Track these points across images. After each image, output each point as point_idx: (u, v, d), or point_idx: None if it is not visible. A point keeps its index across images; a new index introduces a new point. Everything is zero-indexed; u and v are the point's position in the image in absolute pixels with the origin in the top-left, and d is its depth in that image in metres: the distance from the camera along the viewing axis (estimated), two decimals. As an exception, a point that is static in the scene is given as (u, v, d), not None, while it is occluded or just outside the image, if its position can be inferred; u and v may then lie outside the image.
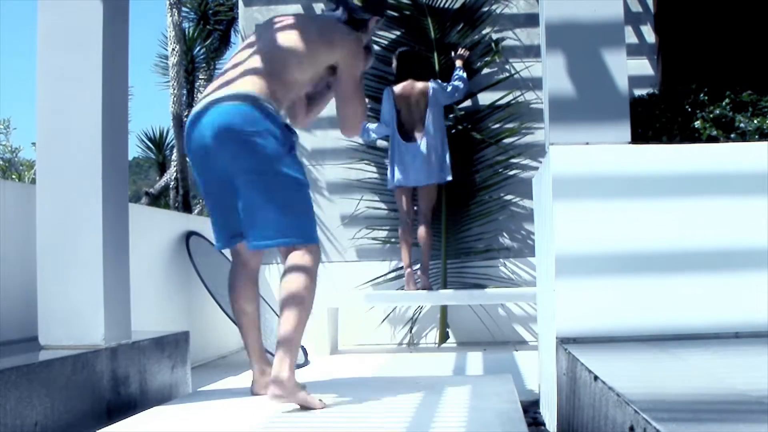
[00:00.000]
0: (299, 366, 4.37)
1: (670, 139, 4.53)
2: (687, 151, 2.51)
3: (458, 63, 5.31)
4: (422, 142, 5.05)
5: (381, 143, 5.62)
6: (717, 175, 2.38)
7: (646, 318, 2.31)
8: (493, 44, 5.62)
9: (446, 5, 5.62)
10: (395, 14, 5.67)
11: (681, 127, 4.59)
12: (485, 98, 5.62)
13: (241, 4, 5.98)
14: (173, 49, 6.84)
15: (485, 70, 5.67)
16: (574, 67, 2.47)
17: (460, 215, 5.52)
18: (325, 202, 5.72)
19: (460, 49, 5.39)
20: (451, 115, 5.55)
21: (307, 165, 5.76)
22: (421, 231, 5.13)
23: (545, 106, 2.56)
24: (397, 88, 5.17)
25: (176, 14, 6.81)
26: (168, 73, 7.09)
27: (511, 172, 5.54)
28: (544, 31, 2.55)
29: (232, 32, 7.94)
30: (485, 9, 5.64)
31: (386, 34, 5.71)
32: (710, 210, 2.35)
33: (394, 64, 5.26)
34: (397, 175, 5.07)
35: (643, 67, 5.55)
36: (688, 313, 2.31)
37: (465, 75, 5.25)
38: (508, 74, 5.61)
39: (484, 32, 5.64)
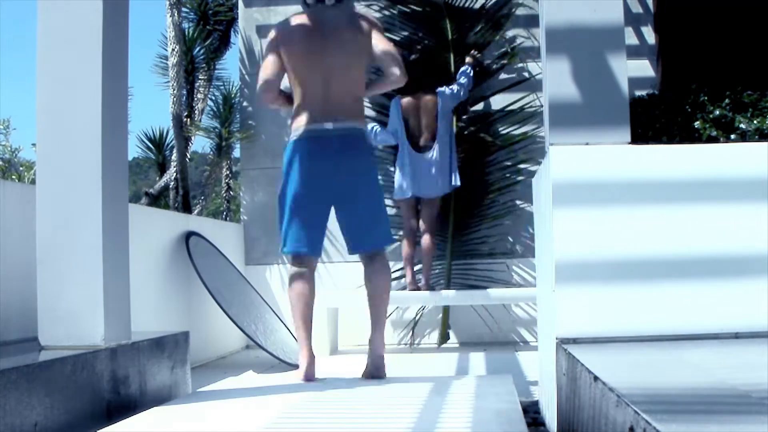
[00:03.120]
0: (297, 366, 4.36)
1: (670, 140, 4.53)
2: (688, 152, 2.51)
3: (468, 60, 5.29)
4: (434, 153, 5.02)
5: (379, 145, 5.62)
6: (718, 176, 2.38)
7: (646, 319, 2.31)
8: (508, 47, 5.60)
9: (465, 5, 5.59)
10: (407, 10, 5.63)
11: (681, 127, 4.60)
12: (500, 101, 5.60)
13: (241, 4, 5.98)
14: (173, 50, 6.83)
15: (503, 75, 5.65)
16: (574, 70, 2.47)
17: (469, 217, 5.51)
18: (325, 203, 5.72)
19: (472, 52, 5.38)
20: (465, 117, 5.55)
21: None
22: (426, 240, 5.11)
23: (545, 108, 2.56)
24: (405, 99, 5.12)
25: (176, 14, 6.80)
26: (168, 74, 7.07)
27: (522, 176, 5.53)
28: (545, 34, 2.55)
29: (232, 32, 7.93)
30: (505, 11, 5.62)
31: (404, 33, 5.69)
32: (711, 212, 2.35)
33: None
34: (407, 185, 5.04)
35: (644, 68, 5.55)
36: (688, 314, 2.31)
37: (470, 71, 5.21)
38: (523, 77, 5.60)
39: (502, 34, 5.60)
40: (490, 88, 5.60)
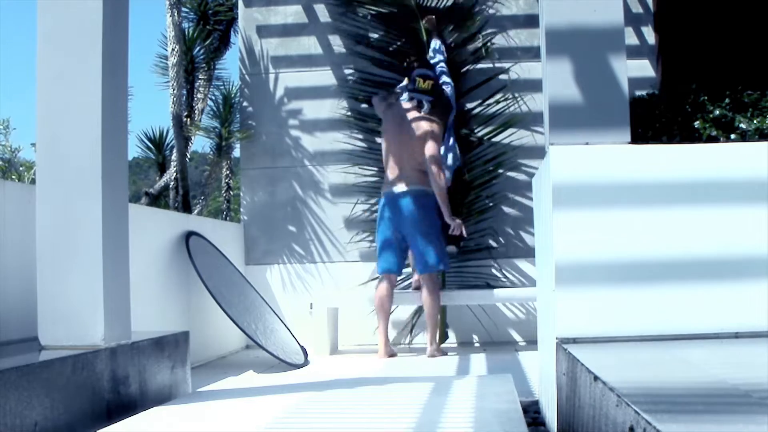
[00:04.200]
0: (298, 366, 4.37)
1: (670, 140, 4.53)
2: (688, 152, 2.51)
3: (435, 42, 5.30)
4: (446, 150, 5.07)
5: (377, 147, 5.62)
6: (718, 176, 2.38)
7: (647, 318, 2.31)
8: (483, 46, 5.61)
9: (436, 5, 5.59)
10: (383, 11, 5.65)
11: (681, 127, 4.60)
12: (475, 99, 5.61)
13: (241, 4, 5.98)
14: (173, 49, 6.83)
15: (480, 75, 5.66)
16: (574, 71, 2.47)
17: (459, 214, 5.50)
18: (327, 204, 5.73)
19: (426, 19, 5.38)
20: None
21: (309, 166, 5.77)
22: None
23: (545, 109, 2.56)
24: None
25: (176, 14, 6.80)
26: (168, 73, 7.06)
27: (508, 171, 5.54)
28: (544, 35, 2.55)
29: (232, 32, 7.93)
30: (476, 9, 5.64)
31: (381, 37, 5.71)
32: (710, 212, 2.35)
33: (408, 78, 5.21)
34: None
35: (644, 67, 5.55)
36: (688, 314, 2.31)
37: (440, 46, 5.24)
38: (496, 74, 5.60)
39: (474, 32, 5.62)
40: (466, 85, 5.60)
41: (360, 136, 5.71)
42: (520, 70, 5.63)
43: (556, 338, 2.30)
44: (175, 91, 6.84)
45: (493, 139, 5.55)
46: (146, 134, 8.54)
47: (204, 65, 7.78)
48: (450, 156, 5.12)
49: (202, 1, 7.73)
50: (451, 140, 5.16)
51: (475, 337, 5.51)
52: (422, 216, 4.59)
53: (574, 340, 2.27)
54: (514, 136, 5.56)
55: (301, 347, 4.78)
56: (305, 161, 5.78)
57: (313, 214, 5.72)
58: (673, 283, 2.32)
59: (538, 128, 5.55)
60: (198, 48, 7.70)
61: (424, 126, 4.72)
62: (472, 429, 2.10)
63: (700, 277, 2.33)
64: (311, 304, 5.14)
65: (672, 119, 4.66)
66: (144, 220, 4.14)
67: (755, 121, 4.44)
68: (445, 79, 5.17)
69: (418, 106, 4.85)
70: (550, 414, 2.51)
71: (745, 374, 1.76)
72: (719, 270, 2.33)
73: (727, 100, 4.60)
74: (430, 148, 4.65)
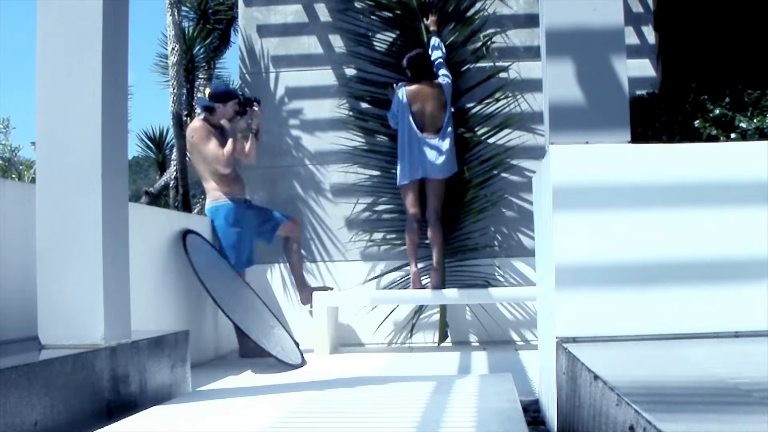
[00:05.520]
0: (296, 366, 4.36)
1: (670, 139, 4.53)
2: (687, 152, 2.50)
3: (434, 40, 5.35)
4: (441, 138, 5.10)
5: (378, 147, 5.62)
6: (718, 175, 2.38)
7: (647, 318, 2.31)
8: (483, 45, 5.61)
9: (437, 4, 5.60)
10: (389, 15, 5.66)
11: (681, 126, 4.60)
12: (474, 98, 5.61)
13: (241, 3, 5.98)
14: (173, 49, 6.83)
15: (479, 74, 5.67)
16: (574, 71, 2.47)
17: (457, 214, 5.50)
18: (327, 203, 5.73)
19: (430, 18, 5.43)
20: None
21: (309, 166, 5.78)
22: (433, 229, 5.12)
23: (545, 109, 2.56)
24: (410, 87, 5.16)
25: (176, 13, 6.80)
26: (168, 73, 7.08)
27: (506, 170, 5.54)
28: (545, 35, 2.55)
29: (232, 32, 7.95)
30: (476, 8, 5.63)
31: (381, 36, 5.71)
32: (710, 211, 2.35)
33: (407, 70, 5.23)
34: (410, 170, 5.09)
35: (644, 67, 5.55)
36: (688, 314, 2.31)
37: (440, 43, 5.30)
38: (496, 72, 5.60)
39: (475, 31, 5.62)
40: (466, 84, 5.59)
41: (360, 136, 5.71)
42: (520, 70, 5.62)
43: (556, 337, 2.30)
44: (175, 90, 6.84)
45: (493, 139, 5.54)
46: (146, 133, 8.58)
47: (204, 64, 7.80)
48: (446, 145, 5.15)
49: (202, 0, 7.75)
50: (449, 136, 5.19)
51: (475, 337, 5.50)
52: (216, 230, 5.02)
53: (574, 340, 2.27)
54: (513, 135, 5.56)
55: (296, 343, 4.76)
56: (305, 161, 5.78)
57: (313, 214, 5.72)
58: (673, 282, 2.32)
59: (538, 128, 5.55)
60: (198, 47, 7.72)
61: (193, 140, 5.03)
62: (473, 428, 2.10)
63: (700, 277, 2.33)
64: (311, 304, 5.14)
65: (672, 119, 4.66)
66: (142, 219, 4.14)
67: (755, 121, 4.44)
68: (443, 71, 5.21)
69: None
70: (550, 413, 2.51)
71: (745, 373, 1.76)
72: (719, 270, 2.33)
73: (727, 100, 4.60)
74: (208, 156, 4.88)
